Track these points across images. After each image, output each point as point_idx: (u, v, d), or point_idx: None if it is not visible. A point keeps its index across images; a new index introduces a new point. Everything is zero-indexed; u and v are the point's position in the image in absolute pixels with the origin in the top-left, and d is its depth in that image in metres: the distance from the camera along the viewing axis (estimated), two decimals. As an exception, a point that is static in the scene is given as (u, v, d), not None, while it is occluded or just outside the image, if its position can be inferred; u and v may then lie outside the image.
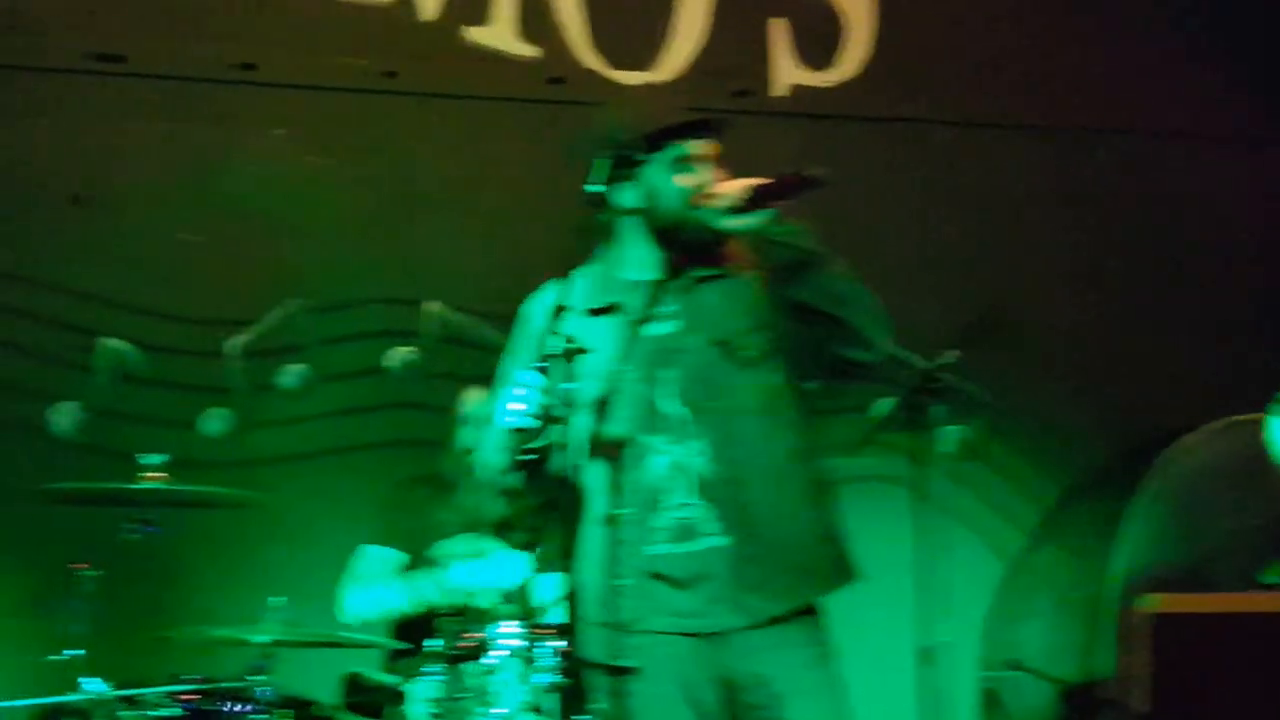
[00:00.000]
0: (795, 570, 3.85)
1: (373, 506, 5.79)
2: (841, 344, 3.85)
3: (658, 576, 3.81)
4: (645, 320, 3.88)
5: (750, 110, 6.44)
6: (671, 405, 3.86)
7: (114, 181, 6.28)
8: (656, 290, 3.92)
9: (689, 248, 3.92)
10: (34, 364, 6.13)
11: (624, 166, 3.91)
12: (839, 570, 3.94)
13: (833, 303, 3.81)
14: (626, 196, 3.92)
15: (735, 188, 3.81)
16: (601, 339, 3.88)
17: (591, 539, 3.85)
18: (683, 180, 3.89)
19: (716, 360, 3.88)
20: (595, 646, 3.79)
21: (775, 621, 3.81)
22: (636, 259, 3.97)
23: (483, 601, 5.35)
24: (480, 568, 5.48)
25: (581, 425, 3.80)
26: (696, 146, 3.92)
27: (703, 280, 3.93)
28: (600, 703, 3.78)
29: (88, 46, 6.28)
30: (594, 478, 3.86)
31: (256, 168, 6.33)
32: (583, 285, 3.98)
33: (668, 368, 3.87)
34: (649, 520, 3.82)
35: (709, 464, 3.83)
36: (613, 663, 3.75)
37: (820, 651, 3.87)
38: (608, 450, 3.82)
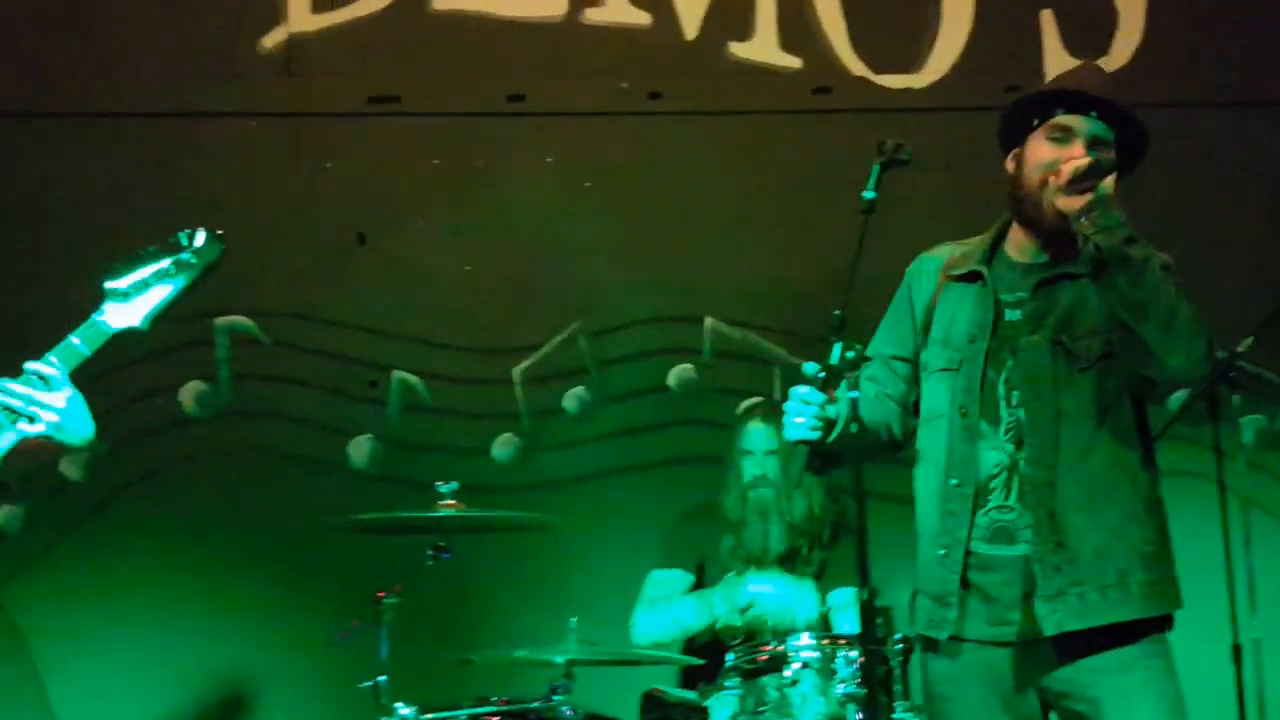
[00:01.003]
0: (1107, 587, 3.76)
1: (659, 525, 5.84)
2: (1134, 358, 3.77)
3: (975, 573, 3.80)
4: (1005, 302, 3.88)
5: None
6: (1007, 397, 3.84)
7: (395, 219, 6.41)
8: (1019, 274, 3.90)
9: (1044, 228, 3.85)
10: (329, 400, 6.30)
11: (1011, 135, 3.91)
12: (1157, 594, 3.82)
13: (1131, 311, 3.71)
14: (1010, 166, 3.90)
15: (1077, 165, 3.75)
16: (958, 307, 3.90)
17: (923, 511, 3.90)
18: (1045, 151, 3.83)
19: (1053, 360, 3.82)
20: (919, 616, 3.86)
21: (1086, 633, 3.74)
22: (1011, 238, 3.95)
23: (775, 624, 5.35)
24: (772, 597, 5.46)
25: (925, 394, 3.89)
26: (1068, 119, 3.83)
27: (1060, 277, 3.88)
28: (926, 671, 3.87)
29: (362, 90, 6.43)
30: (928, 445, 3.90)
31: (530, 196, 6.42)
32: (955, 252, 4.00)
33: (1008, 357, 3.85)
34: (973, 513, 3.81)
35: (1029, 467, 3.79)
36: (930, 633, 3.84)
37: (1145, 661, 3.78)
38: (941, 425, 3.86)
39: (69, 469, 6.15)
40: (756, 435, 5.61)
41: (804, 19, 6.46)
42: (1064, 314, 3.84)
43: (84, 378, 3.69)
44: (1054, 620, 3.73)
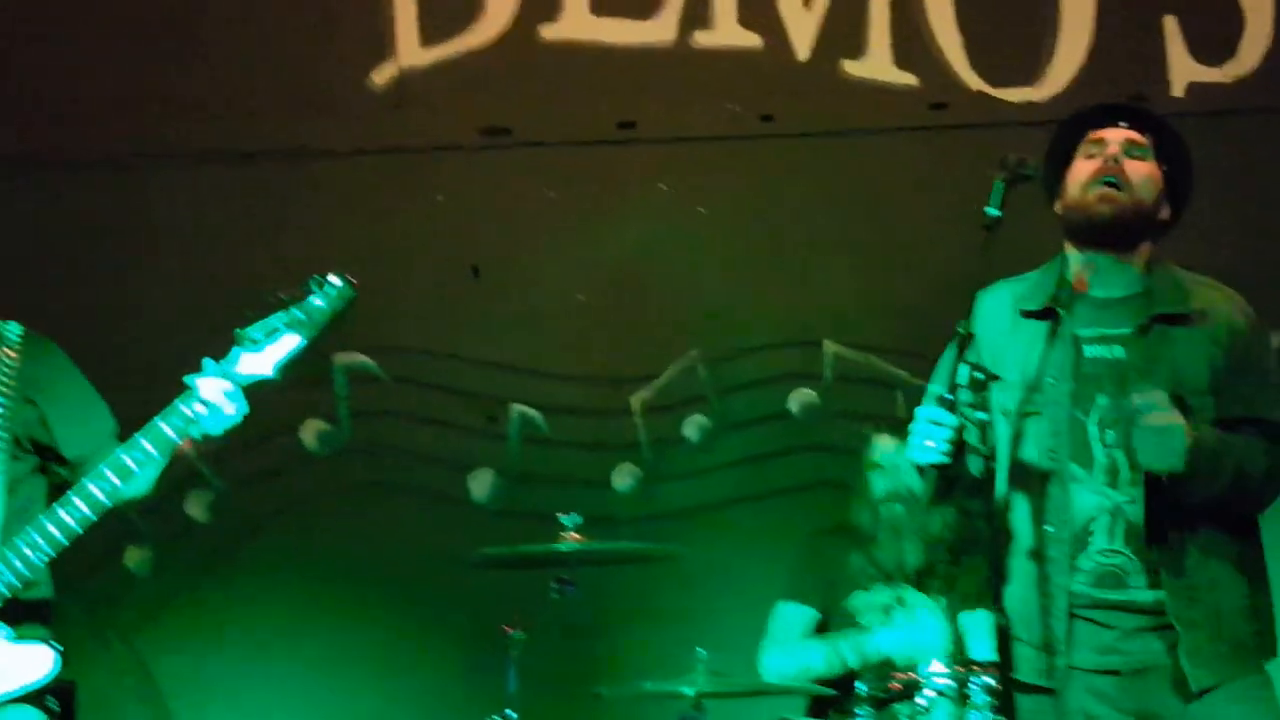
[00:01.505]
0: (1221, 640, 3.68)
1: (784, 553, 5.76)
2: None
3: (1080, 617, 3.71)
4: (1084, 339, 3.79)
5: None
6: (1104, 438, 3.73)
7: (509, 250, 6.42)
8: (1094, 308, 3.82)
9: (1093, 238, 3.81)
10: (449, 435, 6.32)
11: (1058, 170, 3.89)
12: (1262, 647, 3.76)
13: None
14: (1056, 193, 3.89)
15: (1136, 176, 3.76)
16: (1031, 346, 3.81)
17: (1018, 559, 3.77)
18: (1083, 166, 3.82)
19: None
20: (1023, 666, 3.75)
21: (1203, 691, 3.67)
22: (1070, 261, 3.89)
23: (902, 663, 5.27)
24: (900, 635, 5.38)
25: (1004, 435, 3.77)
26: (1099, 133, 3.84)
27: (1164, 318, 3.79)
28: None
29: (474, 122, 6.44)
30: (1014, 491, 3.79)
31: (644, 224, 6.39)
32: (1018, 289, 3.92)
33: (1103, 395, 3.75)
34: (1074, 556, 3.71)
35: (1135, 509, 3.69)
36: (1038, 682, 3.72)
37: (1254, 693, 3.71)
38: (1029, 471, 3.76)
39: (194, 510, 6.23)
40: (886, 449, 5.54)
41: (919, 35, 6.39)
42: (1174, 367, 3.73)
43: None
44: (1198, 677, 3.64)
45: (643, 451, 6.32)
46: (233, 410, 3.80)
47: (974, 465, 3.82)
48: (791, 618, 5.57)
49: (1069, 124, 3.93)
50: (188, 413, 3.77)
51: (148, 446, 3.77)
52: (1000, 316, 3.87)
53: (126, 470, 3.76)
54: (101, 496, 3.76)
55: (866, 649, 5.35)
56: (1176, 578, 3.66)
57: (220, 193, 6.42)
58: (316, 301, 3.79)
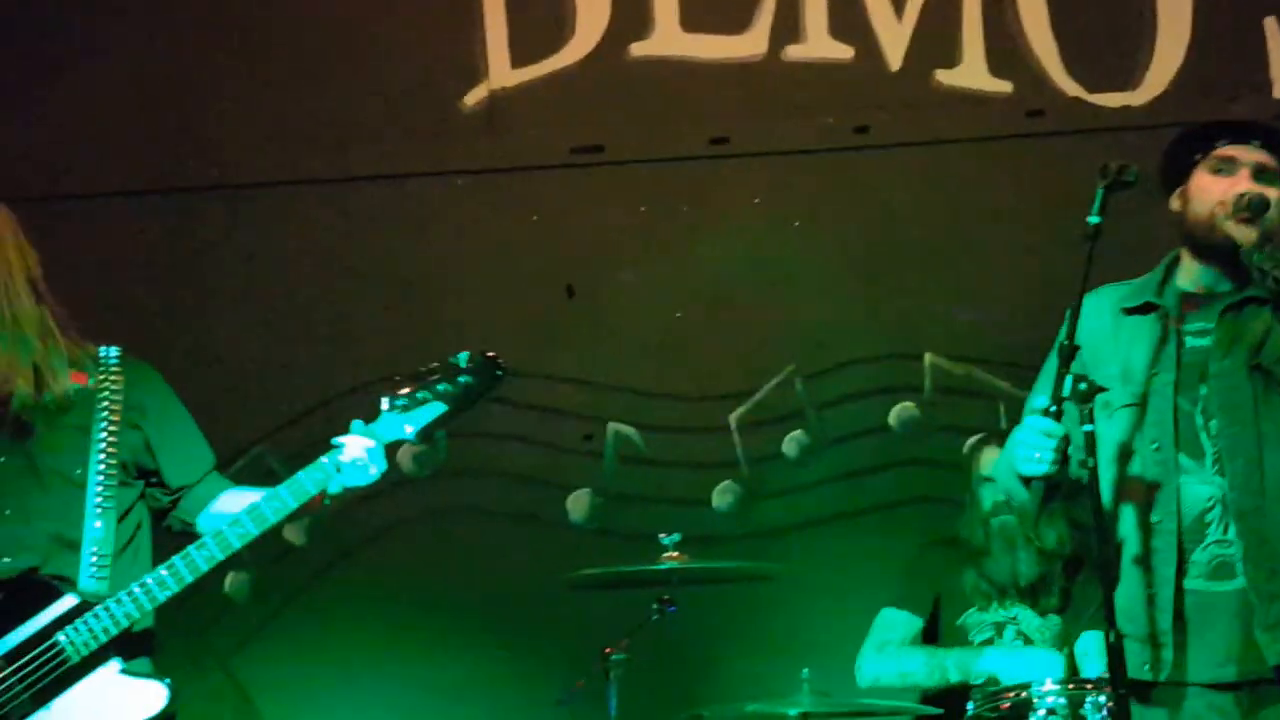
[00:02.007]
0: None
1: (887, 568, 5.74)
2: None
3: (1192, 612, 3.69)
4: (1186, 331, 3.81)
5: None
6: (1206, 427, 3.74)
7: (603, 269, 6.42)
8: (1198, 300, 3.84)
9: (1220, 257, 3.82)
10: (545, 455, 6.30)
11: (1175, 172, 3.89)
12: None
13: None
14: (1175, 203, 3.90)
15: (1241, 194, 3.76)
16: (1133, 341, 3.83)
17: (1127, 553, 3.77)
18: (1209, 183, 3.82)
19: (1250, 384, 3.73)
20: (1131, 661, 3.68)
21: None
22: (1184, 268, 3.91)
23: (1007, 684, 5.20)
24: (1013, 659, 5.30)
25: (1111, 431, 3.77)
26: (1231, 150, 3.83)
27: (1248, 301, 3.80)
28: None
29: (565, 141, 6.45)
30: (1120, 484, 3.79)
31: (739, 239, 6.37)
32: (1122, 290, 3.95)
33: (1201, 384, 3.76)
34: (1190, 548, 3.71)
35: (1236, 494, 3.70)
36: (1143, 676, 3.70)
37: None
38: (1135, 464, 3.77)
39: (292, 535, 6.24)
40: (996, 461, 5.47)
41: (1013, 42, 6.34)
42: (1256, 339, 3.75)
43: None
44: (1275, 650, 3.62)
45: (741, 469, 6.28)
46: (374, 470, 3.94)
47: (1078, 474, 3.77)
48: (894, 622, 5.54)
49: (1198, 134, 3.92)
50: (332, 466, 3.88)
51: (287, 497, 3.88)
52: (1102, 315, 3.89)
53: (264, 520, 3.88)
54: (236, 541, 3.87)
55: (972, 666, 5.31)
56: (1260, 549, 3.66)
57: (319, 219, 6.47)
58: (464, 378, 3.92)
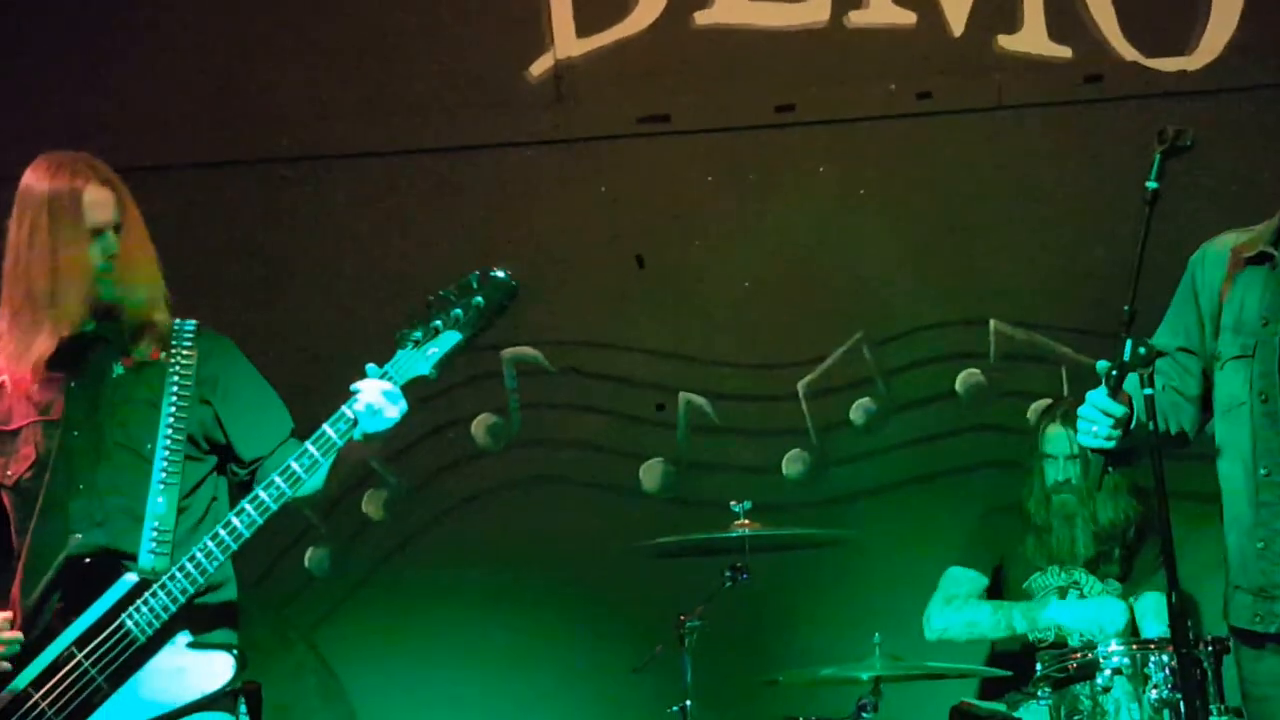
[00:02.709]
0: None
1: (956, 534, 5.80)
2: None
3: None
4: None
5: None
6: None
7: (672, 239, 6.44)
8: None
9: None
10: (618, 425, 6.35)
11: None
12: None
13: None
14: None
15: None
16: (1248, 290, 3.79)
17: (1231, 504, 3.77)
18: None
19: None
20: (1239, 612, 3.73)
21: None
22: None
23: (1075, 638, 5.24)
24: (1078, 609, 5.36)
25: (1221, 383, 3.77)
26: None
27: None
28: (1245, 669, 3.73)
29: (632, 111, 6.47)
30: (1230, 437, 3.77)
31: (805, 206, 6.39)
32: (1241, 238, 3.89)
33: None
34: None
35: None
36: (1255, 628, 3.71)
37: None
38: (1242, 413, 3.74)
39: (370, 509, 6.33)
40: (1057, 440, 5.53)
41: (1072, 7, 6.30)
42: None
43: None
44: None
45: (811, 436, 6.32)
46: (394, 411, 3.84)
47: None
48: (961, 579, 5.62)
49: None
50: (351, 415, 3.81)
51: (314, 452, 3.82)
52: (1221, 264, 3.85)
53: (296, 477, 3.81)
54: (271, 503, 3.81)
55: (1038, 616, 5.38)
56: None
57: (384, 189, 6.51)
58: (476, 299, 3.82)
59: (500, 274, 3.85)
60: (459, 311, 3.82)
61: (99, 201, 3.91)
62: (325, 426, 3.83)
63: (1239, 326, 3.77)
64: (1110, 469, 3.78)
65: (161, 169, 6.30)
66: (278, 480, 3.81)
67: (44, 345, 3.89)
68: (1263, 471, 3.70)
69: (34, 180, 3.93)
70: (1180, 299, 3.95)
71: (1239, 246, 3.86)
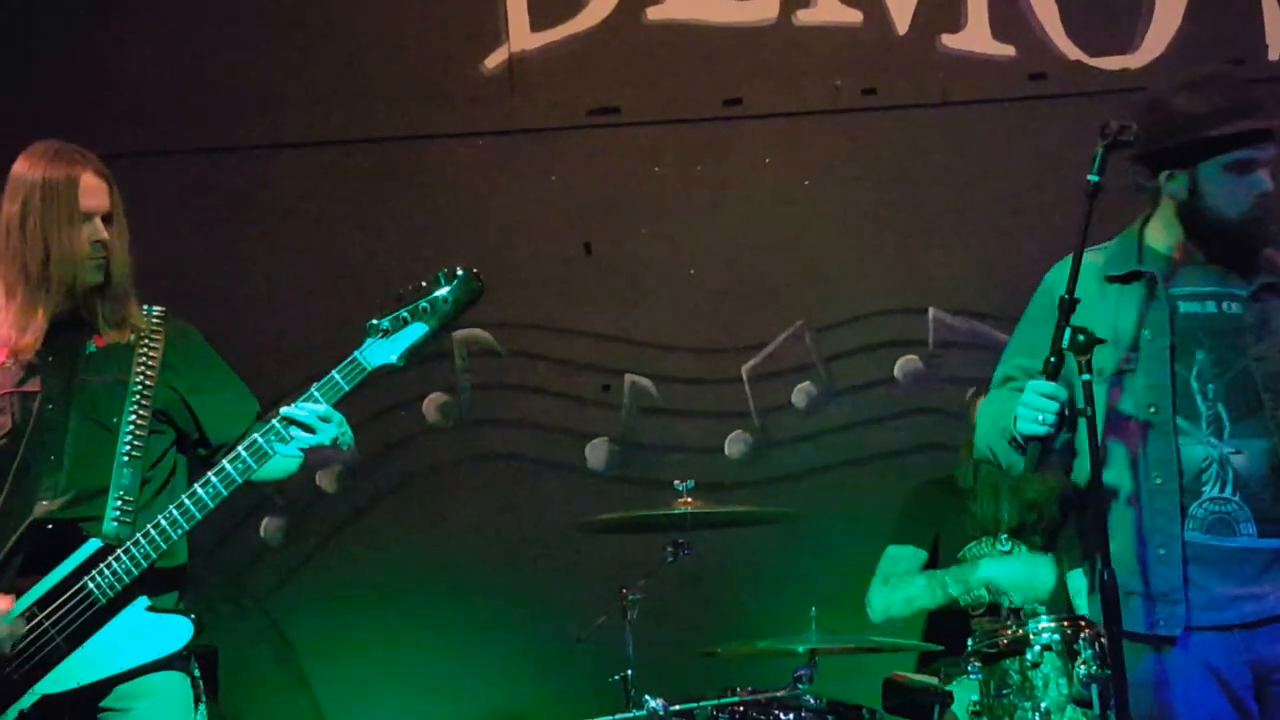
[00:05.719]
0: None
1: (892, 513, 5.86)
2: None
3: (1193, 566, 3.74)
4: (1175, 295, 3.83)
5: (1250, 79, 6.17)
6: (1205, 392, 3.79)
7: (620, 227, 6.52)
8: (1192, 270, 3.86)
9: (1230, 251, 3.86)
10: (565, 406, 6.44)
11: (1171, 156, 3.82)
12: None
13: None
14: (1175, 186, 3.83)
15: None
16: (1120, 307, 3.84)
17: (1119, 513, 3.80)
18: (1232, 188, 3.80)
19: (1251, 373, 3.79)
20: (1132, 617, 3.74)
21: None
22: (1171, 235, 3.89)
23: (1010, 600, 5.35)
24: (1008, 564, 5.48)
25: (1100, 394, 3.75)
26: (1256, 152, 3.80)
27: (1269, 289, 3.85)
28: (1138, 673, 3.73)
29: (583, 103, 6.54)
30: (1114, 448, 3.80)
31: (751, 197, 6.49)
32: (1099, 258, 3.92)
33: (1200, 350, 3.81)
34: (1185, 504, 3.75)
35: (1245, 460, 3.75)
36: (1150, 633, 3.75)
37: None
38: (1129, 427, 3.79)
39: (324, 482, 6.40)
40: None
41: (1015, 6, 6.43)
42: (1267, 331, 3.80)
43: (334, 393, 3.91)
44: None
45: (753, 418, 6.42)
46: (329, 437, 3.95)
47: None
48: (898, 557, 5.71)
49: (1221, 139, 3.78)
50: (279, 441, 3.93)
51: (263, 444, 3.93)
52: (1087, 280, 3.83)
53: (262, 453, 3.92)
54: (236, 476, 3.92)
55: (970, 577, 5.47)
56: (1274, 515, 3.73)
57: (339, 178, 6.55)
58: (440, 293, 3.94)
59: (463, 273, 3.96)
60: (426, 305, 3.93)
61: (93, 189, 4.03)
62: (257, 436, 3.92)
63: (1118, 341, 3.80)
64: (1038, 464, 3.78)
65: (114, 157, 6.29)
66: (244, 455, 3.91)
67: (38, 326, 4.00)
68: (1156, 480, 3.75)
69: (28, 166, 4.04)
70: (1033, 317, 3.98)
71: (1101, 266, 3.90)
